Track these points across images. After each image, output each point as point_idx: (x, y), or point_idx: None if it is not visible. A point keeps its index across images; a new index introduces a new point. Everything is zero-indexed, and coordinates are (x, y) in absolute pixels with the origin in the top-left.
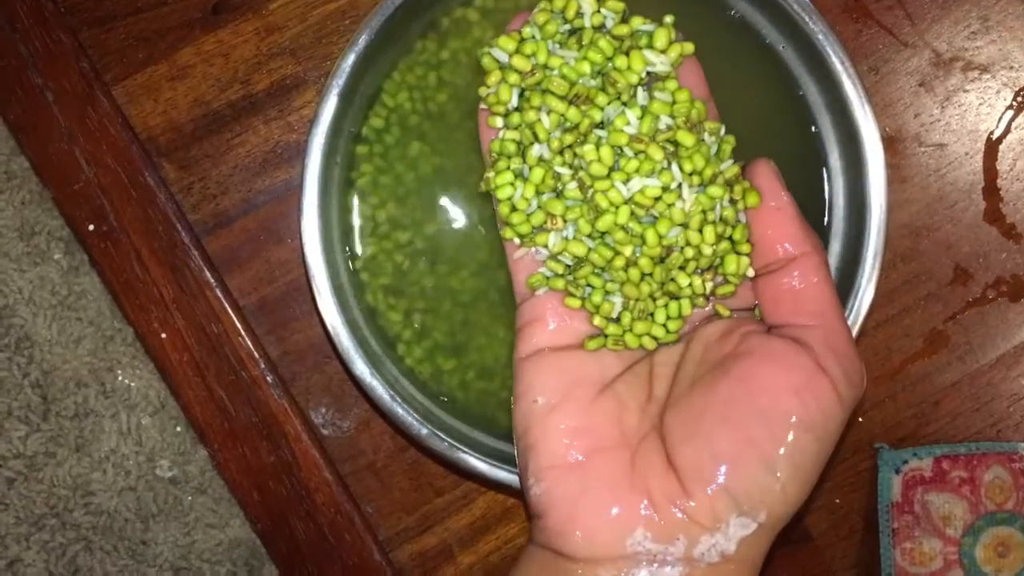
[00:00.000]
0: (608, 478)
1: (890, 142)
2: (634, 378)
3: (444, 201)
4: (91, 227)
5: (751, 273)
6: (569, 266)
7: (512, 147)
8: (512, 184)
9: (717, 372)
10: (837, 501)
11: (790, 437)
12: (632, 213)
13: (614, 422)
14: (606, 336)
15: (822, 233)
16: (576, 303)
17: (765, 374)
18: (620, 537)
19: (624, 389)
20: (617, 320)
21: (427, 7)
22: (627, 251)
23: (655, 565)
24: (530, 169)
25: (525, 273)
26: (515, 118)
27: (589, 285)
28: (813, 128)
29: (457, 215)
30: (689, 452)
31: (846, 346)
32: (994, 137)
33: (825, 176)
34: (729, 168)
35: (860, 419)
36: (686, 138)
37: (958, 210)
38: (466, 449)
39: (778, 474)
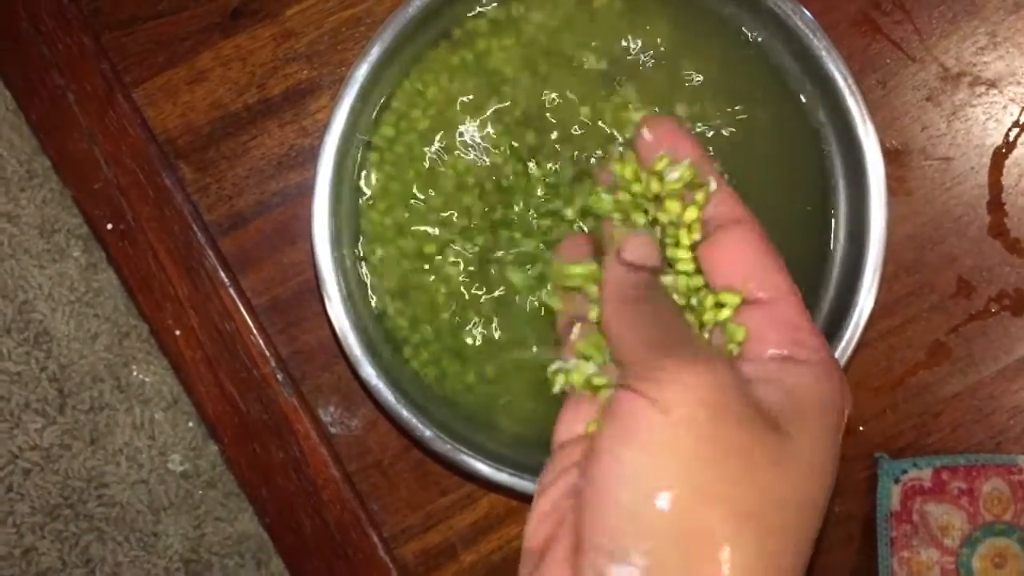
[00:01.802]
0: (552, 566)
1: (896, 155)
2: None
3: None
4: (109, 226)
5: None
6: None
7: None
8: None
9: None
10: (836, 509)
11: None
12: None
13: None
14: None
15: (824, 245)
16: None
17: (612, 430)
18: None
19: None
20: None
21: (440, 17)
22: None
23: None
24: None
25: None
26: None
27: None
28: (815, 142)
29: (467, 217)
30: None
31: (670, 345)
32: (1000, 152)
33: (828, 189)
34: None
35: (861, 428)
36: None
37: (963, 223)
38: (469, 452)
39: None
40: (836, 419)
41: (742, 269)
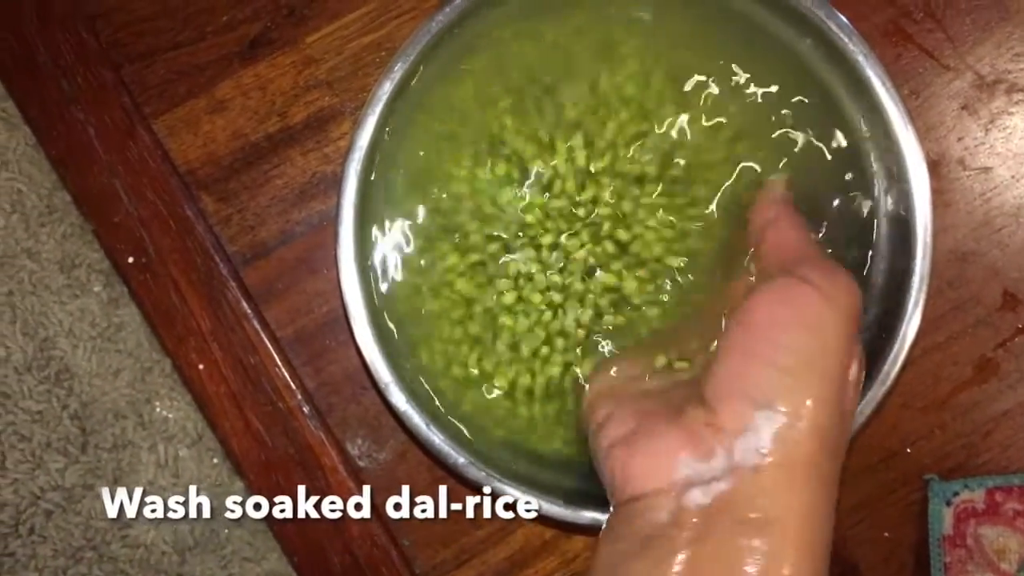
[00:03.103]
0: (654, 429)
1: (933, 166)
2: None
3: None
4: (131, 259)
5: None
6: None
7: None
8: None
9: (733, 321)
10: (886, 535)
11: (783, 335)
12: None
13: (660, 399)
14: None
15: (865, 258)
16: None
17: (751, 304)
18: (670, 468)
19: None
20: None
21: (464, 33)
22: None
23: (705, 482)
24: None
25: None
26: None
27: None
28: (856, 152)
29: (491, 239)
30: (710, 383)
31: (823, 261)
32: None
33: (869, 200)
34: None
35: (908, 450)
36: None
37: (1005, 234)
38: (504, 479)
39: (780, 366)
40: None
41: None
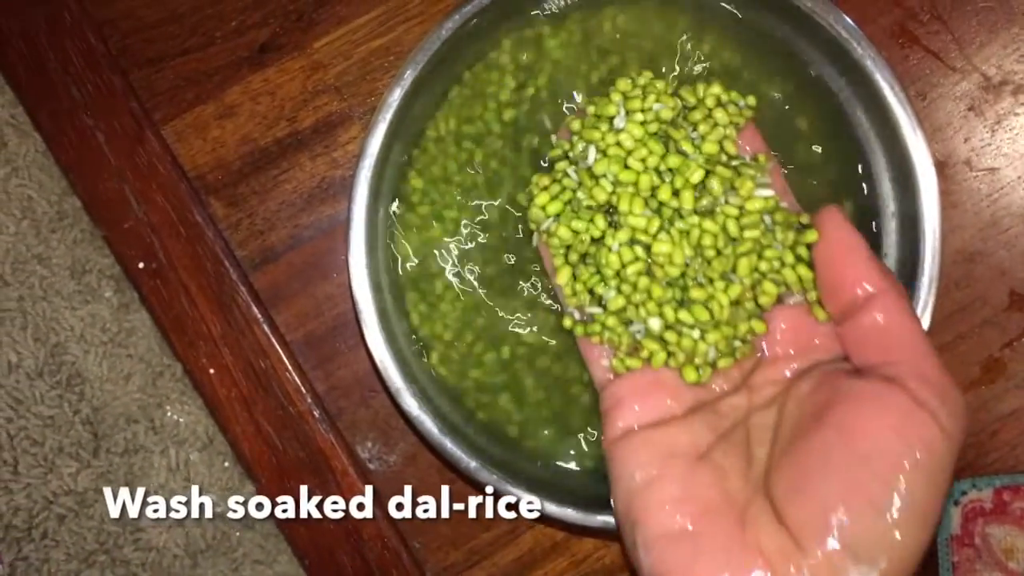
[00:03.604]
0: (719, 541)
1: (940, 167)
2: (730, 446)
3: (488, 232)
4: (141, 265)
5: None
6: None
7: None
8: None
9: (813, 423)
10: None
11: (898, 478)
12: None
13: (716, 488)
14: (710, 365)
15: None
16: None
17: (861, 417)
18: None
19: (722, 457)
20: (713, 365)
21: (472, 40)
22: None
23: None
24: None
25: (600, 359)
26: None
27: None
28: (863, 153)
29: (502, 245)
30: (797, 507)
31: (940, 377)
32: None
33: (877, 203)
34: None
35: None
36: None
37: (1012, 235)
38: (515, 482)
39: (891, 518)
40: None
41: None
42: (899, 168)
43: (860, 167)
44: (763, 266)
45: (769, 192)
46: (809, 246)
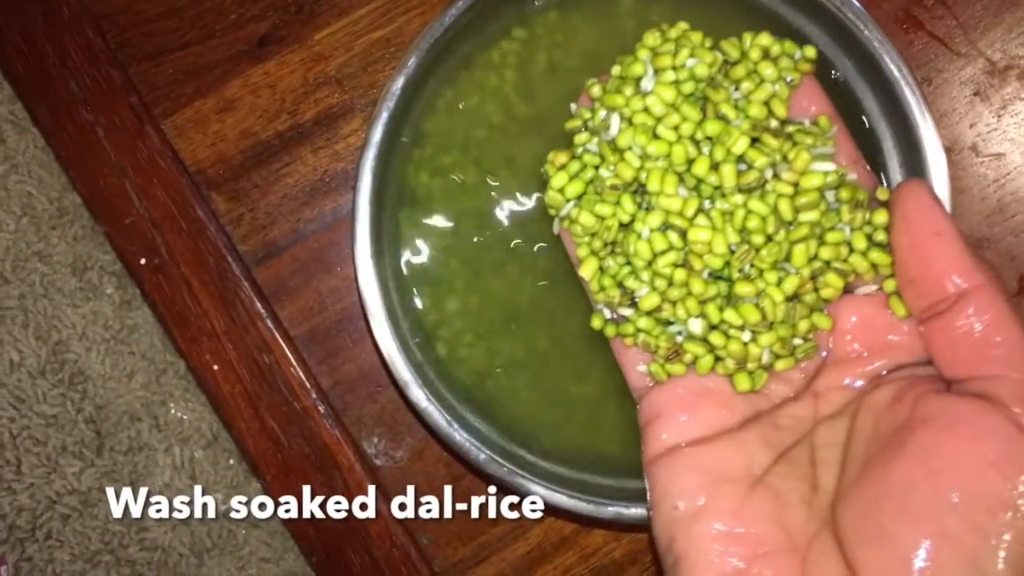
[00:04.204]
0: None
1: (947, 153)
2: (791, 467)
3: (498, 222)
4: (143, 261)
5: (900, 312)
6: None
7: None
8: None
9: (891, 449)
10: None
11: (998, 528)
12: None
13: (774, 522)
14: (763, 368)
15: None
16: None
17: (950, 446)
18: None
19: (781, 482)
20: (769, 367)
21: (477, 29)
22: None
23: None
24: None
25: (636, 363)
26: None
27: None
28: (870, 138)
29: (512, 237)
30: (869, 554)
31: None
32: None
33: (886, 187)
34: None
35: None
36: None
37: (1019, 220)
38: (525, 474)
39: (986, 568)
40: None
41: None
42: (908, 152)
43: (868, 152)
44: (825, 253)
45: (830, 165)
46: (886, 228)
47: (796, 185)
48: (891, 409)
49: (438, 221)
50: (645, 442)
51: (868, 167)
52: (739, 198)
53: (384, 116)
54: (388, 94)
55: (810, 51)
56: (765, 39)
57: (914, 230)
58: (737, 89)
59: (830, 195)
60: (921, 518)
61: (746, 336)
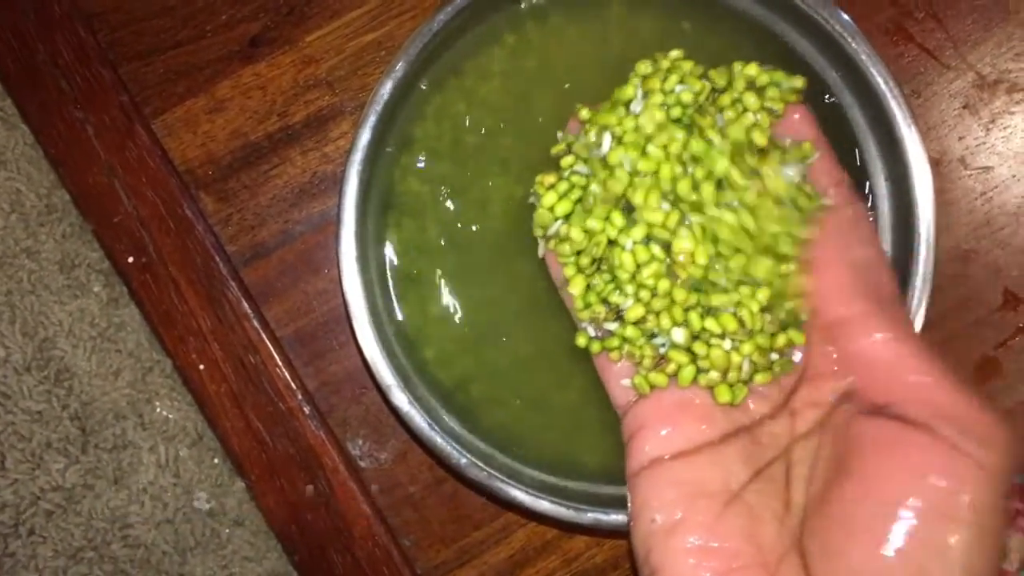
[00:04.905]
0: None
1: (934, 166)
2: (767, 484)
3: (484, 228)
4: (130, 259)
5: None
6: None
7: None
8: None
9: (840, 469)
10: None
11: (935, 537)
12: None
13: (747, 538)
14: (743, 381)
15: None
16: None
17: (881, 467)
18: None
19: (756, 498)
20: (748, 380)
21: (466, 34)
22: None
23: None
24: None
25: (619, 378)
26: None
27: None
28: (857, 150)
29: (496, 243)
30: (827, 570)
31: (962, 404)
32: None
33: (871, 199)
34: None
35: None
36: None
37: (1006, 234)
38: (506, 479)
39: (933, 572)
40: None
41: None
42: (893, 164)
43: (854, 164)
44: (785, 268)
45: (792, 171)
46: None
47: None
48: (845, 428)
49: (424, 226)
50: (628, 455)
51: (850, 189)
52: (715, 211)
53: (371, 120)
54: (376, 98)
55: (798, 82)
56: (752, 69)
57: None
58: (722, 115)
59: (790, 205)
60: (866, 534)
61: (727, 345)
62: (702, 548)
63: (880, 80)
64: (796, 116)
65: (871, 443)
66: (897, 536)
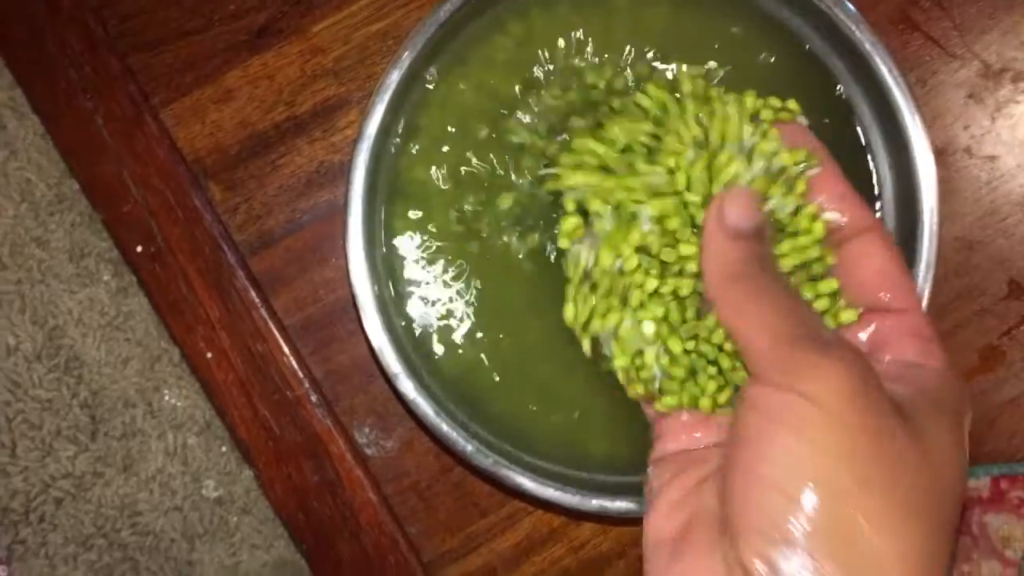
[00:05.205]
0: (698, 546)
1: (939, 154)
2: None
3: (490, 217)
4: (139, 249)
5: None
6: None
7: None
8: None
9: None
10: None
11: (792, 491)
12: None
13: (710, 501)
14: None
15: None
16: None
17: (740, 426)
18: None
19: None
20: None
21: (472, 23)
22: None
23: None
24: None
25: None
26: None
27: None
28: (863, 139)
29: (504, 232)
30: (724, 510)
31: (775, 345)
32: None
33: (875, 188)
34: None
35: None
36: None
37: (1011, 223)
38: (511, 465)
39: (788, 488)
40: (964, 420)
41: (878, 281)
42: (897, 153)
43: (858, 152)
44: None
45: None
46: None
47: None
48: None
49: (431, 215)
50: (653, 447)
51: (859, 202)
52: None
53: (378, 109)
54: (382, 87)
55: (792, 103)
56: (750, 100)
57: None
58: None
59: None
60: (759, 481)
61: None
62: (677, 501)
63: (884, 69)
64: (796, 132)
65: (751, 418)
66: (785, 474)
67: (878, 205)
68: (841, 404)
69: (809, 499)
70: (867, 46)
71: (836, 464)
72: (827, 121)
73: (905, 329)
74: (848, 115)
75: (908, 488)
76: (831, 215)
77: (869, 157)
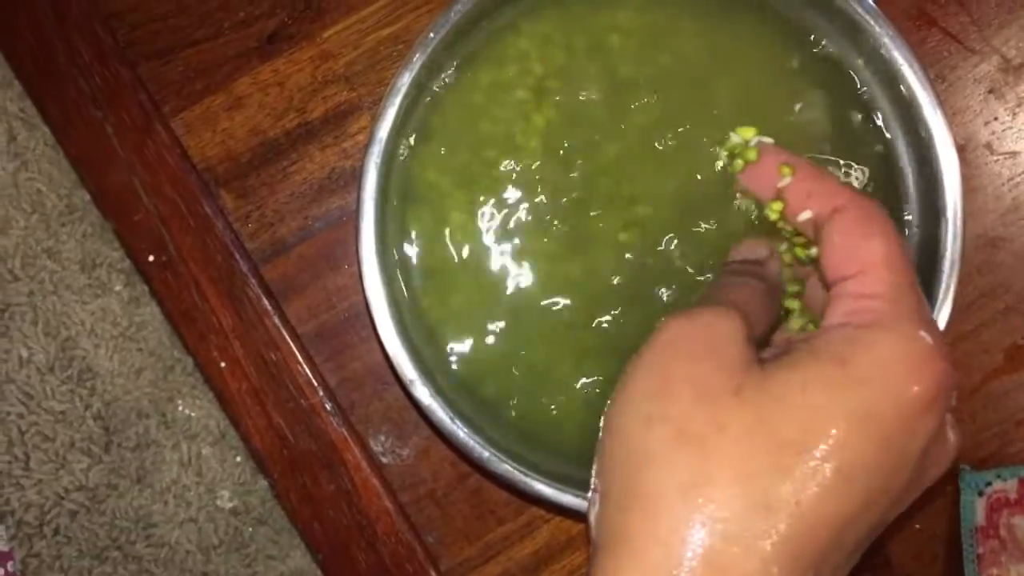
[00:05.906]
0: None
1: (960, 151)
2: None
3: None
4: (151, 258)
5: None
6: None
7: None
8: None
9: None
10: (917, 527)
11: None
12: None
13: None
14: None
15: None
16: None
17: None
18: None
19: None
20: None
21: (483, 25)
22: None
23: None
24: None
25: None
26: None
27: None
28: (884, 137)
29: (517, 235)
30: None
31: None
32: None
33: (897, 186)
34: None
35: None
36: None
37: None
38: (529, 472)
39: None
40: (907, 379)
41: (845, 259)
42: (919, 149)
43: (880, 150)
44: None
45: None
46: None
47: None
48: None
49: (444, 218)
50: None
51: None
52: None
53: (389, 113)
54: (393, 91)
55: (767, 139)
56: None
57: None
58: None
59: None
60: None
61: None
62: None
63: (905, 64)
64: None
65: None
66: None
67: (904, 206)
68: (652, 352)
69: (607, 442)
70: (886, 40)
71: (626, 405)
72: (854, 118)
73: (849, 293)
74: (868, 111)
75: (704, 423)
76: (804, 215)
77: (891, 154)
